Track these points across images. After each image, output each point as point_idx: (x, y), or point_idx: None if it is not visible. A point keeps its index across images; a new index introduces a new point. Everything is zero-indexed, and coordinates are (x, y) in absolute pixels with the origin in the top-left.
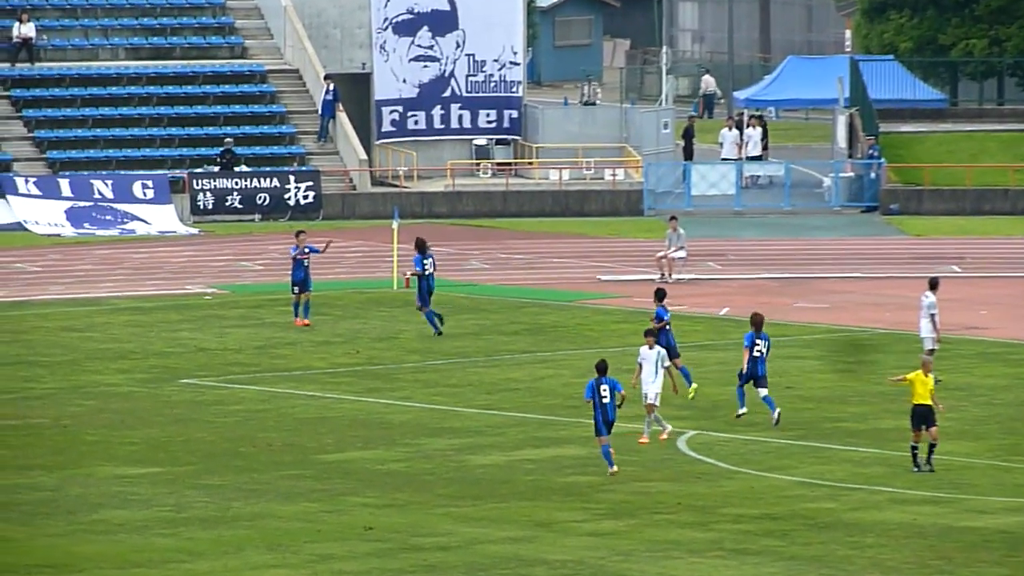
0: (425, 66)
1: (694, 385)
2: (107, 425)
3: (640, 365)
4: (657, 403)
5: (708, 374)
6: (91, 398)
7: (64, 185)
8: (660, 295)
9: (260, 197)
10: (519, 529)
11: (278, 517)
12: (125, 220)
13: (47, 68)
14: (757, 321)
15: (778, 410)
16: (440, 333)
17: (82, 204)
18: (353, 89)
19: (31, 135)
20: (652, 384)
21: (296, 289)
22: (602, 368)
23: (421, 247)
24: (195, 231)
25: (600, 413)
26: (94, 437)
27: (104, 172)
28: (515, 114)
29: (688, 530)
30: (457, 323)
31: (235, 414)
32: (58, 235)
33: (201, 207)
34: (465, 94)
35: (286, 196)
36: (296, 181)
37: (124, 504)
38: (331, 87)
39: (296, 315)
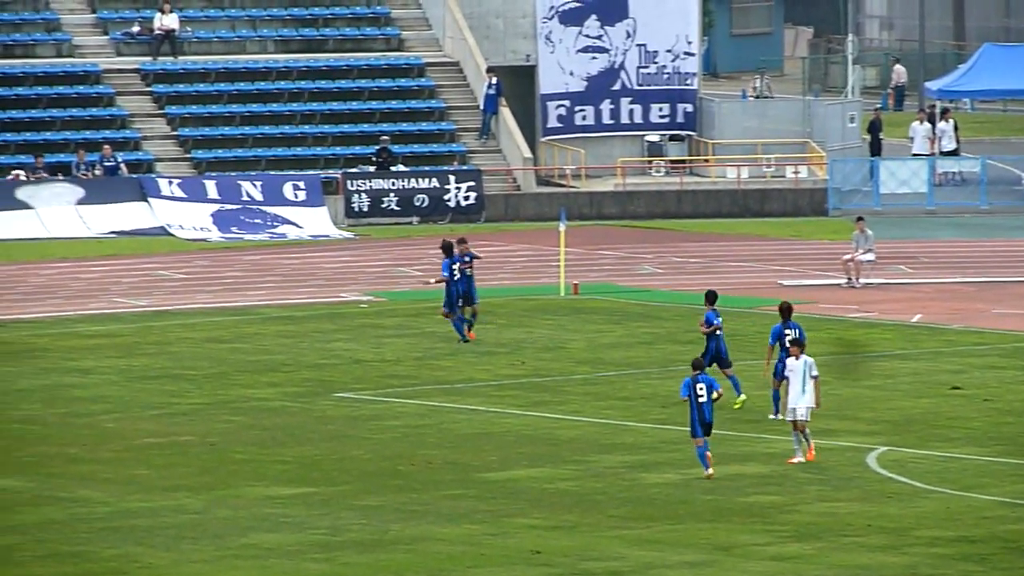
0: (594, 57)
1: (742, 396)
2: (257, 442)
3: (787, 379)
4: (808, 418)
5: (899, 385)
6: (240, 413)
7: (210, 187)
8: (711, 297)
9: (418, 198)
10: (697, 552)
11: (439, 540)
12: (275, 223)
13: (191, 62)
14: (786, 309)
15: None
16: (465, 340)
17: (229, 207)
18: (517, 82)
19: (174, 133)
20: (801, 399)
21: (460, 302)
22: (698, 365)
23: (447, 250)
24: (349, 235)
25: (696, 413)
26: (243, 455)
27: (253, 173)
28: (690, 108)
29: (879, 554)
30: (629, 332)
31: (393, 430)
32: (204, 240)
33: (356, 209)
34: (636, 87)
35: (446, 197)
36: (456, 181)
37: (275, 527)
38: (493, 80)
39: (462, 335)
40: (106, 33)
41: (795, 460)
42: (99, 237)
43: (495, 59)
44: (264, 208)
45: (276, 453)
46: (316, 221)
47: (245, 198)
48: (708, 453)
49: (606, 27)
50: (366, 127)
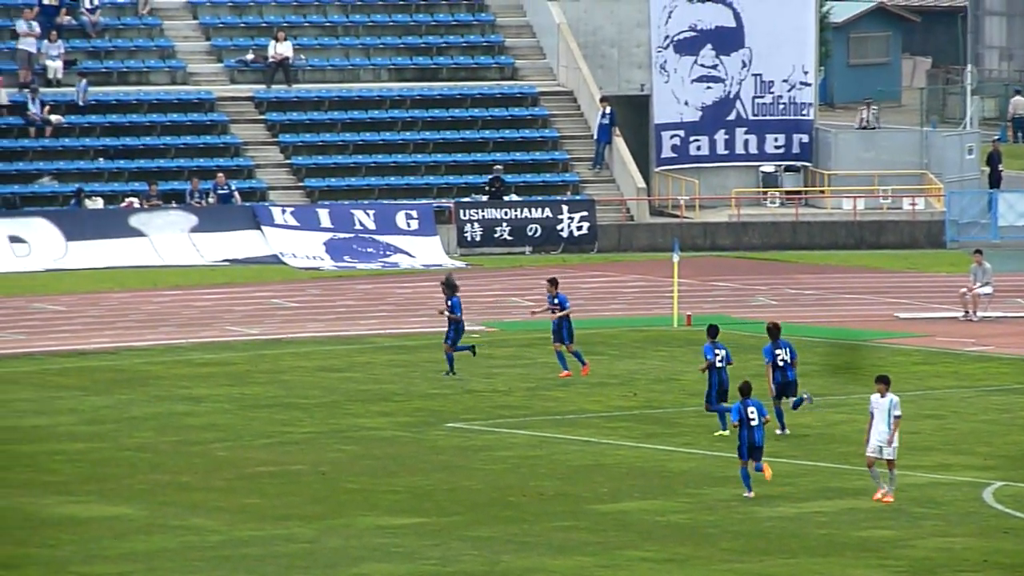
0: (708, 87)
1: (726, 432)
2: (368, 472)
3: (872, 415)
4: (894, 457)
5: (1016, 420)
6: (352, 443)
7: (323, 215)
8: (712, 332)
9: (531, 228)
10: None
11: (550, 572)
12: (388, 252)
13: (305, 90)
14: (773, 329)
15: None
16: (452, 372)
17: (342, 236)
18: (631, 112)
19: (288, 162)
20: (885, 435)
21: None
22: (746, 390)
23: (451, 286)
24: (461, 264)
25: (747, 436)
26: (355, 485)
27: (365, 201)
28: (805, 139)
29: None
30: (742, 364)
31: (504, 460)
32: (317, 268)
33: (468, 239)
34: (751, 117)
35: (559, 227)
36: (569, 211)
37: (387, 557)
38: (607, 110)
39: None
40: (220, 61)
41: (881, 496)
42: (212, 265)
43: (609, 88)
44: (377, 237)
45: (387, 483)
46: (428, 250)
47: (358, 227)
48: (750, 472)
49: (721, 56)
50: (479, 156)
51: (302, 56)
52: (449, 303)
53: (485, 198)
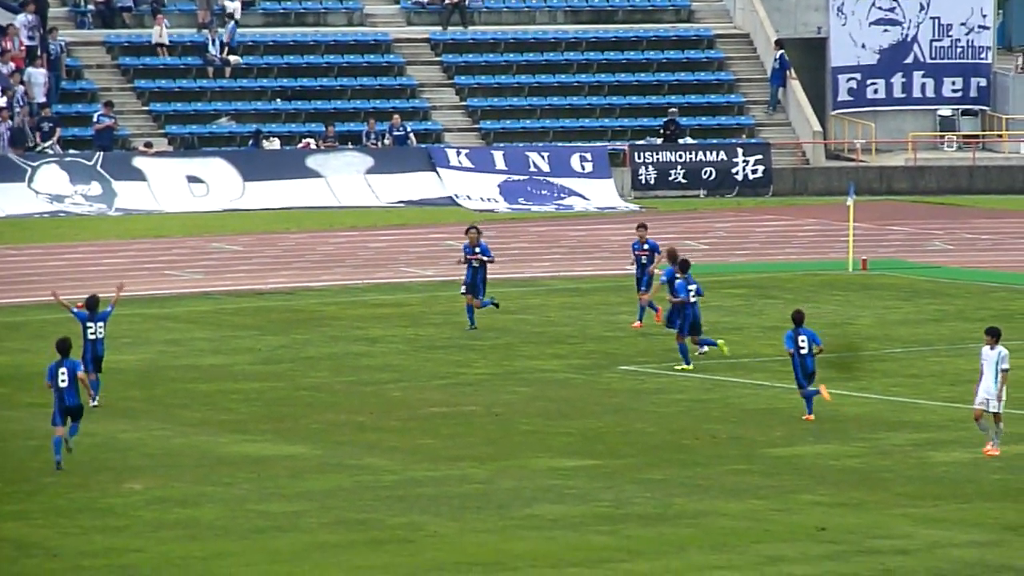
0: (885, 30)
1: (689, 367)
2: (542, 414)
3: (982, 367)
4: (1000, 410)
5: None
6: (525, 385)
7: (498, 157)
8: (684, 266)
9: (705, 171)
10: (985, 532)
11: (723, 515)
12: (562, 195)
13: (480, 32)
14: (797, 318)
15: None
16: (473, 327)
17: (517, 178)
18: (807, 55)
19: (463, 104)
20: (993, 389)
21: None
22: (798, 319)
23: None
24: (636, 207)
25: (799, 364)
26: (528, 427)
27: (540, 144)
28: (983, 82)
29: None
30: (918, 308)
31: (677, 404)
32: (491, 211)
33: (643, 182)
34: (929, 60)
35: (733, 170)
36: (744, 154)
37: (560, 499)
38: (783, 53)
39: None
40: (397, 2)
41: (989, 449)
42: (387, 206)
43: (785, 31)
44: (551, 179)
45: (561, 425)
46: (602, 193)
47: (532, 169)
48: (813, 397)
49: None
50: (654, 99)
51: None
52: (477, 249)
53: (660, 141)
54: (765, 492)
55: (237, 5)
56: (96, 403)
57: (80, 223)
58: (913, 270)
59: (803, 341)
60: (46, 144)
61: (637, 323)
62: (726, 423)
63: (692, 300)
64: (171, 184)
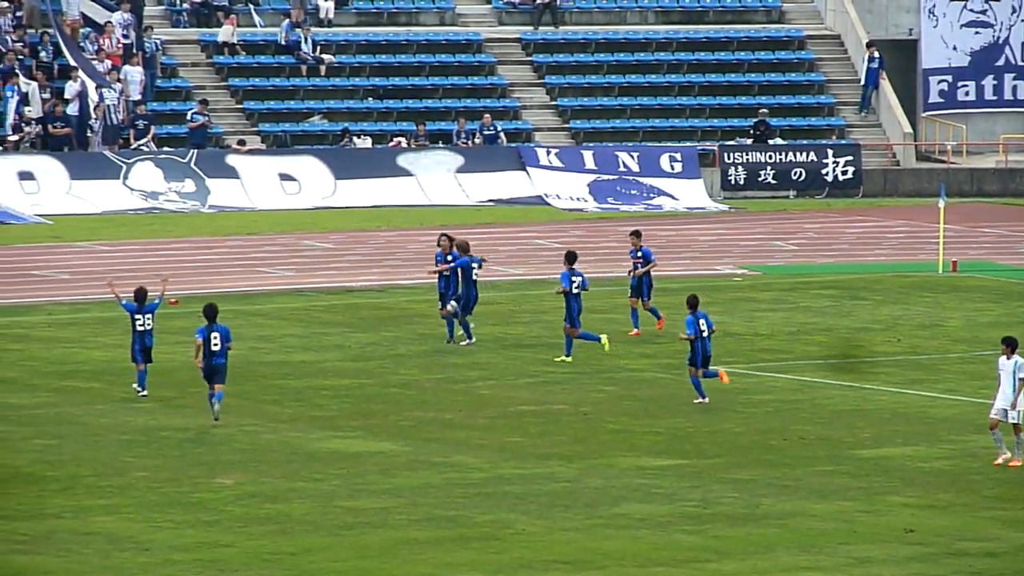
0: (977, 32)
1: (568, 359)
2: (629, 413)
3: (999, 377)
4: (1019, 421)
5: None
6: (613, 384)
7: (587, 157)
8: (570, 258)
9: (795, 172)
10: None
11: (810, 516)
12: (651, 195)
13: (571, 32)
14: (692, 302)
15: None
16: (451, 341)
17: (606, 177)
18: (898, 57)
19: (553, 103)
20: (1009, 398)
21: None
22: (693, 303)
23: (463, 248)
24: (725, 207)
25: (700, 347)
26: (616, 425)
27: (630, 144)
28: None
29: None
30: (1008, 311)
31: (765, 404)
32: (580, 210)
33: (732, 182)
34: (1020, 63)
35: (823, 171)
36: (834, 155)
37: (647, 498)
38: (874, 54)
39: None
40: (488, 2)
41: (999, 461)
42: (477, 205)
43: (876, 32)
44: (640, 179)
45: (648, 424)
46: (692, 193)
47: (622, 169)
48: (718, 375)
49: (991, 2)
50: (744, 99)
51: None
52: (449, 257)
53: (749, 141)
54: (853, 493)
55: (331, 4)
56: (144, 393)
57: (174, 220)
58: (1003, 272)
59: (703, 324)
60: (141, 141)
61: (658, 321)
62: (814, 424)
63: (575, 292)
64: (264, 182)
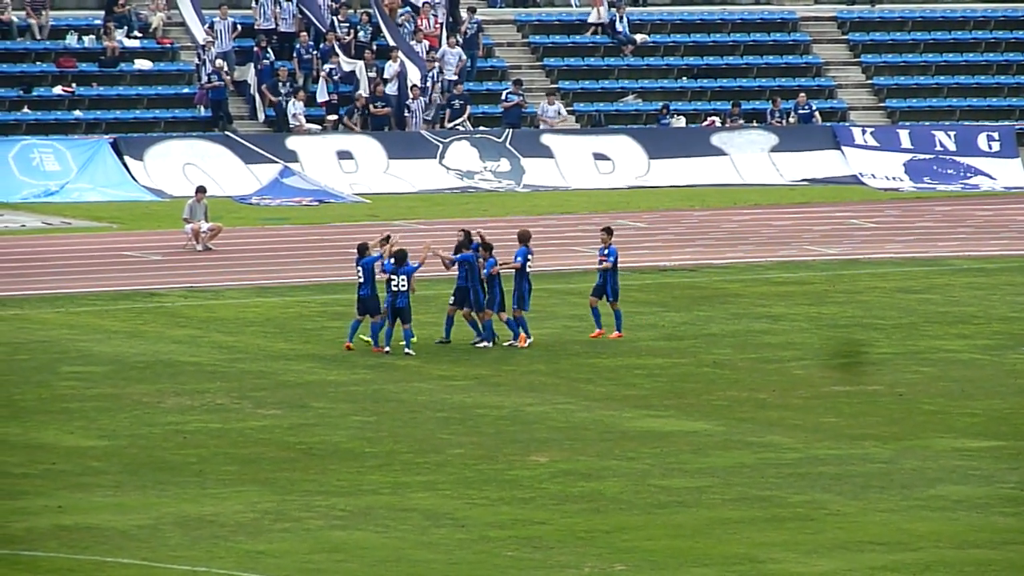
0: None
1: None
2: (945, 394)
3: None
4: None
5: None
6: (929, 364)
7: (903, 136)
8: (523, 237)
9: None
10: None
11: None
12: (968, 174)
13: (888, 10)
14: (524, 236)
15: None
16: (446, 341)
17: (922, 157)
18: None
19: (869, 82)
20: None
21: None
22: (525, 237)
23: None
24: None
25: (528, 283)
26: (931, 407)
27: (946, 123)
28: None
29: None
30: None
31: None
32: (896, 189)
33: None
34: None
35: None
36: None
37: (964, 479)
38: None
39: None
40: None
41: None
42: (791, 184)
43: None
44: (957, 159)
45: (965, 405)
46: (1010, 173)
47: (938, 148)
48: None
49: None
50: None
51: None
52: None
53: None
54: None
55: None
56: (409, 350)
57: (488, 199)
58: None
59: (530, 257)
60: (456, 121)
61: (617, 332)
62: None
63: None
64: (578, 161)
